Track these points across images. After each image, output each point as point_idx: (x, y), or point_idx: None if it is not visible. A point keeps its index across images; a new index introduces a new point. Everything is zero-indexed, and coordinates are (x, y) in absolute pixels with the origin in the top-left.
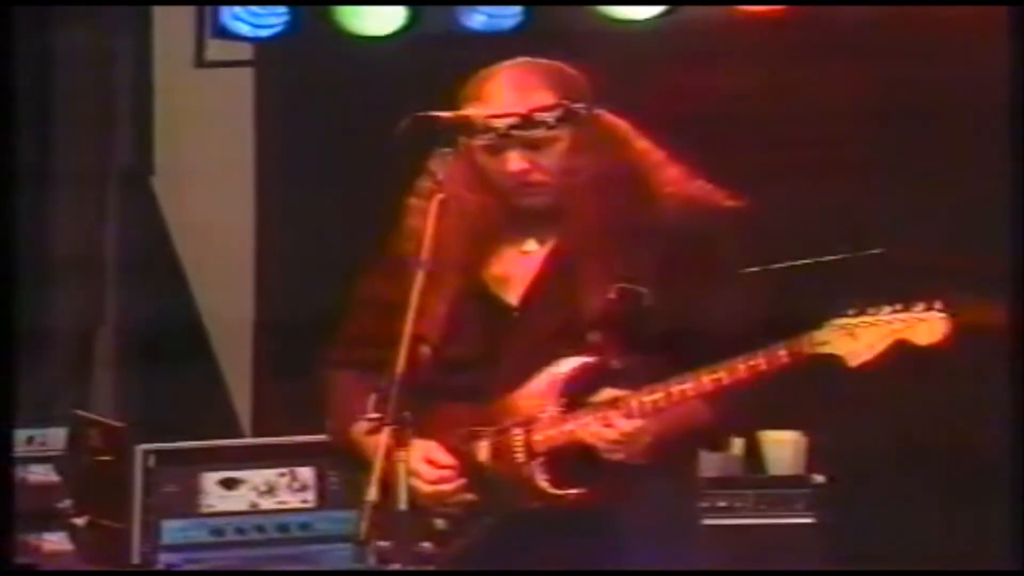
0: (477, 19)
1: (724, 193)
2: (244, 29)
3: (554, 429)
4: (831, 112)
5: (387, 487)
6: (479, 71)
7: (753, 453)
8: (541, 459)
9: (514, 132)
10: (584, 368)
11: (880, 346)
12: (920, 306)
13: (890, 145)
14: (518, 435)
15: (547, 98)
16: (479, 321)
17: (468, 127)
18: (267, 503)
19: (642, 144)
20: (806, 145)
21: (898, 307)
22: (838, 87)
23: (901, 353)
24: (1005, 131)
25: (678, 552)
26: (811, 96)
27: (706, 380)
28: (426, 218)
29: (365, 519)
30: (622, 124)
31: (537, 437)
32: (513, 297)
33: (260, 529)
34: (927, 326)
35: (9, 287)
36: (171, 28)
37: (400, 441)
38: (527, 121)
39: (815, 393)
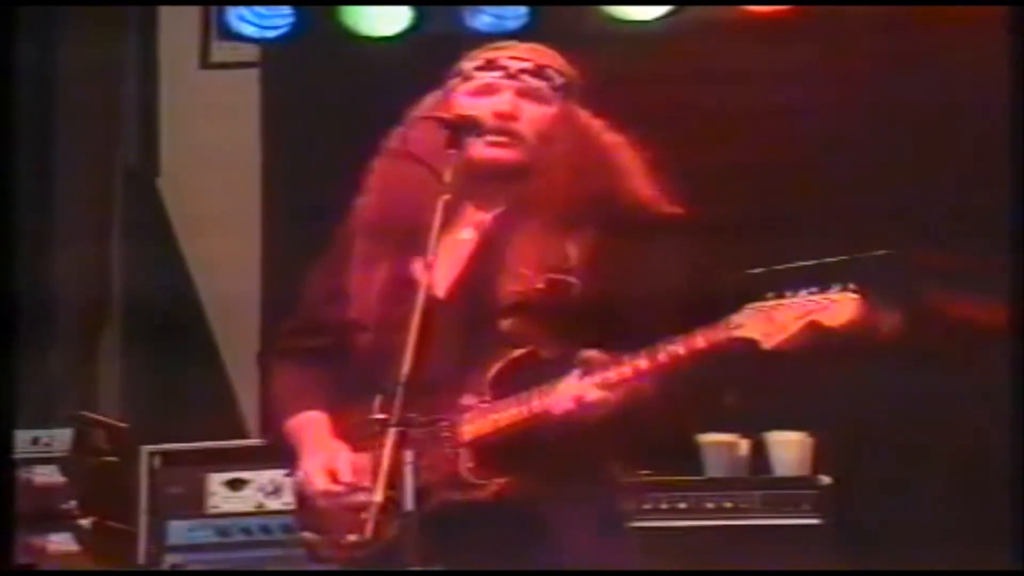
0: (483, 20)
1: (667, 198)
2: (250, 30)
3: (482, 419)
4: (831, 112)
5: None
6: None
7: (759, 454)
8: (467, 449)
9: (522, 76)
10: (513, 359)
11: (793, 327)
12: (835, 288)
13: (890, 145)
14: (444, 426)
15: (559, 63)
16: (407, 310)
17: (472, 126)
18: (273, 504)
19: (610, 138)
20: (804, 144)
21: (814, 289)
22: (839, 87)
23: (813, 335)
24: (1005, 131)
25: (602, 549)
26: (811, 96)
27: (627, 366)
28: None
29: (371, 519)
30: (594, 120)
31: (465, 428)
32: (440, 285)
33: (266, 530)
34: (837, 307)
35: (13, 287)
36: (177, 29)
37: (405, 442)
38: (537, 71)
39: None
